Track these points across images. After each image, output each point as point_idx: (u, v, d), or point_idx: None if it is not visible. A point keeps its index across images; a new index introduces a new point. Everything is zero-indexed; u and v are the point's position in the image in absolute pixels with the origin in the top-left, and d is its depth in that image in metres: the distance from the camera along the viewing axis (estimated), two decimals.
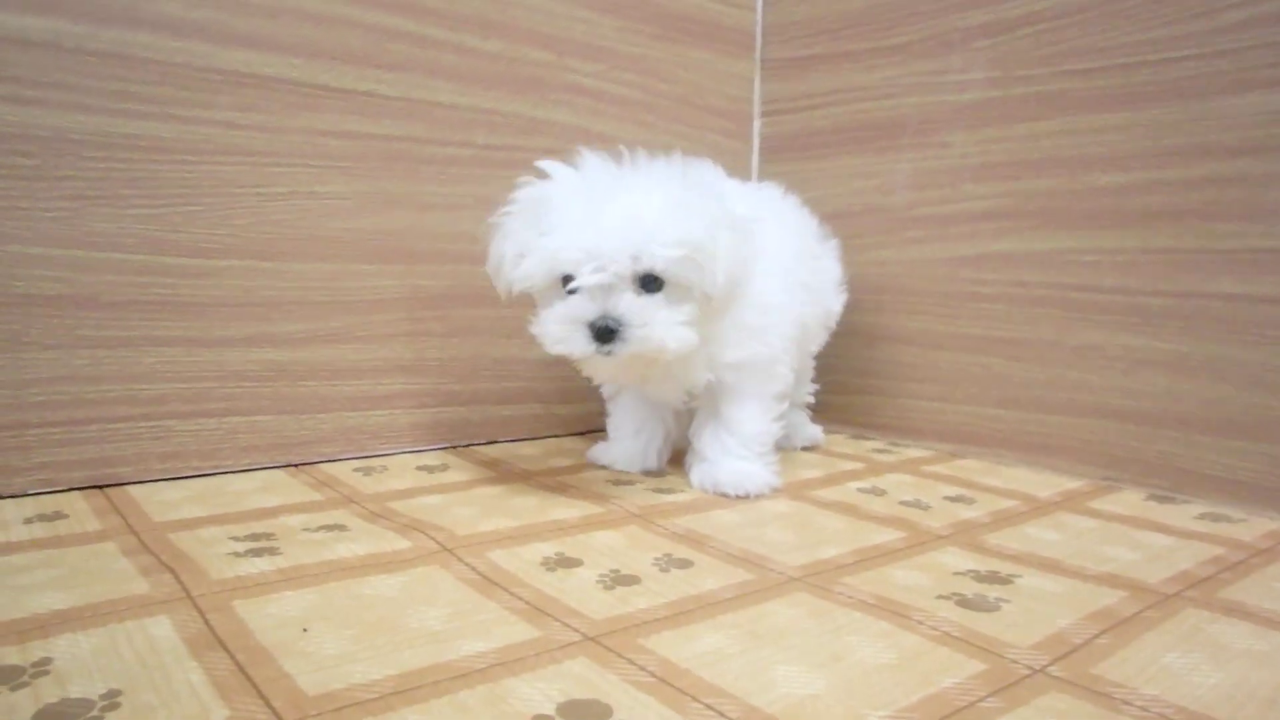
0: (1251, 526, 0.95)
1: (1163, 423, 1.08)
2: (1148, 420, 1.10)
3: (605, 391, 1.15)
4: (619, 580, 0.74)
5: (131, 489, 0.98)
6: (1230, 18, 1.01)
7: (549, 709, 0.52)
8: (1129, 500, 1.05)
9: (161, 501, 0.94)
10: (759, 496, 1.02)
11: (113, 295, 0.98)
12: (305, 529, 0.85)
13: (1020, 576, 0.78)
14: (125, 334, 0.99)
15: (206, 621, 0.63)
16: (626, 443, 1.14)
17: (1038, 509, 1.00)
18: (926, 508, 0.99)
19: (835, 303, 1.27)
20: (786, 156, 1.53)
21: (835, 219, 1.36)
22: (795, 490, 1.06)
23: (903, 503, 1.01)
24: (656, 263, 0.90)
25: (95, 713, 0.50)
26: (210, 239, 1.03)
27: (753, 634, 0.64)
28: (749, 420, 1.06)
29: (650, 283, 0.91)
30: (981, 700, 0.55)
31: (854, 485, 1.09)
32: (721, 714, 0.53)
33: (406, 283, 1.19)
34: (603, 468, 1.14)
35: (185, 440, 1.04)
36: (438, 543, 0.82)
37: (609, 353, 0.90)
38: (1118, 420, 1.12)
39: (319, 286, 1.12)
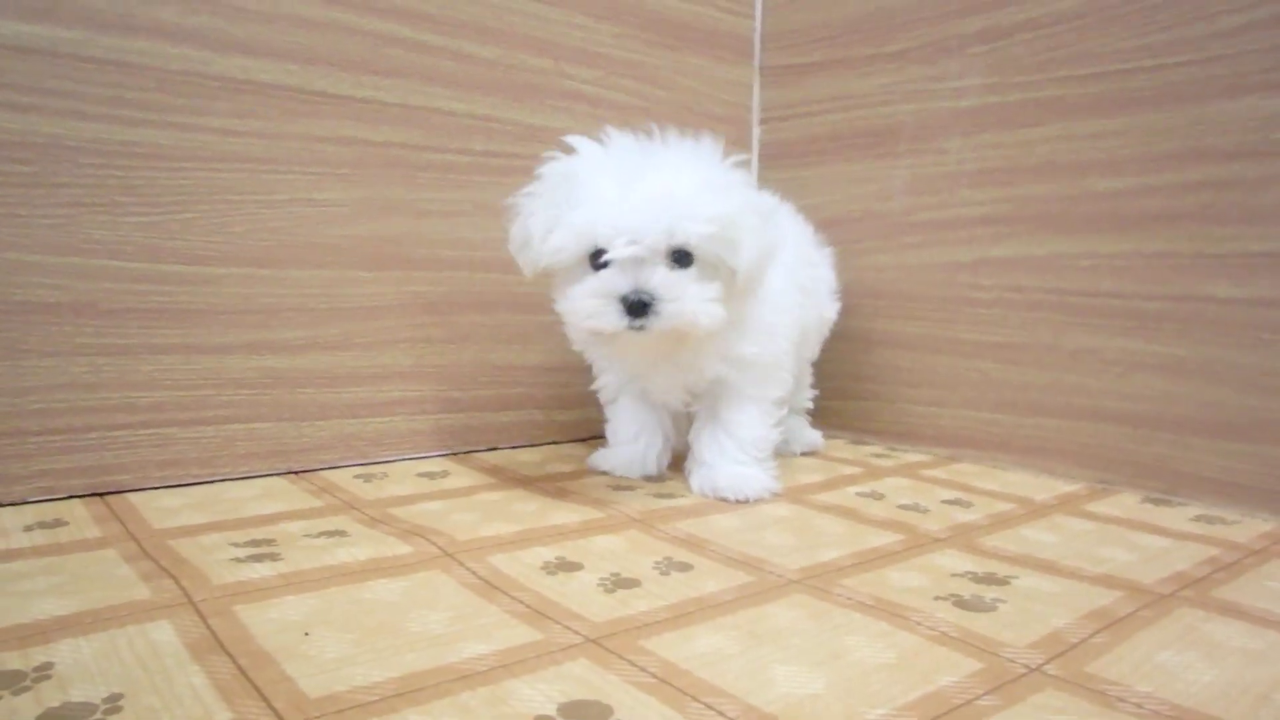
0: (1246, 528, 0.95)
1: (1159, 425, 1.09)
2: (1144, 423, 1.10)
3: (603, 397, 1.15)
4: (619, 583, 0.74)
5: (131, 496, 0.98)
6: (1226, 23, 1.02)
7: (550, 709, 0.53)
8: (1125, 502, 1.05)
9: (161, 508, 0.94)
10: (758, 501, 1.02)
11: (111, 303, 0.98)
12: (306, 535, 0.85)
13: (1017, 577, 0.78)
14: (124, 341, 0.99)
15: (208, 626, 0.63)
16: (626, 448, 1.14)
17: (1034, 511, 1.00)
18: (924, 511, 1.00)
19: (830, 310, 1.28)
20: (785, 163, 1.53)
21: (834, 225, 1.37)
22: (794, 494, 1.06)
23: (901, 506, 1.01)
24: (690, 238, 0.90)
25: (98, 716, 0.51)
26: (208, 246, 1.04)
27: (752, 635, 0.64)
28: (748, 425, 1.06)
29: (681, 259, 0.92)
30: (978, 698, 0.56)
31: (853, 489, 1.09)
32: (721, 713, 0.53)
33: (405, 289, 1.19)
34: (603, 474, 1.14)
35: (184, 447, 1.04)
36: (439, 548, 0.82)
37: (641, 327, 0.90)
38: (1114, 423, 1.13)
39: (317, 293, 1.12)
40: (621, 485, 1.08)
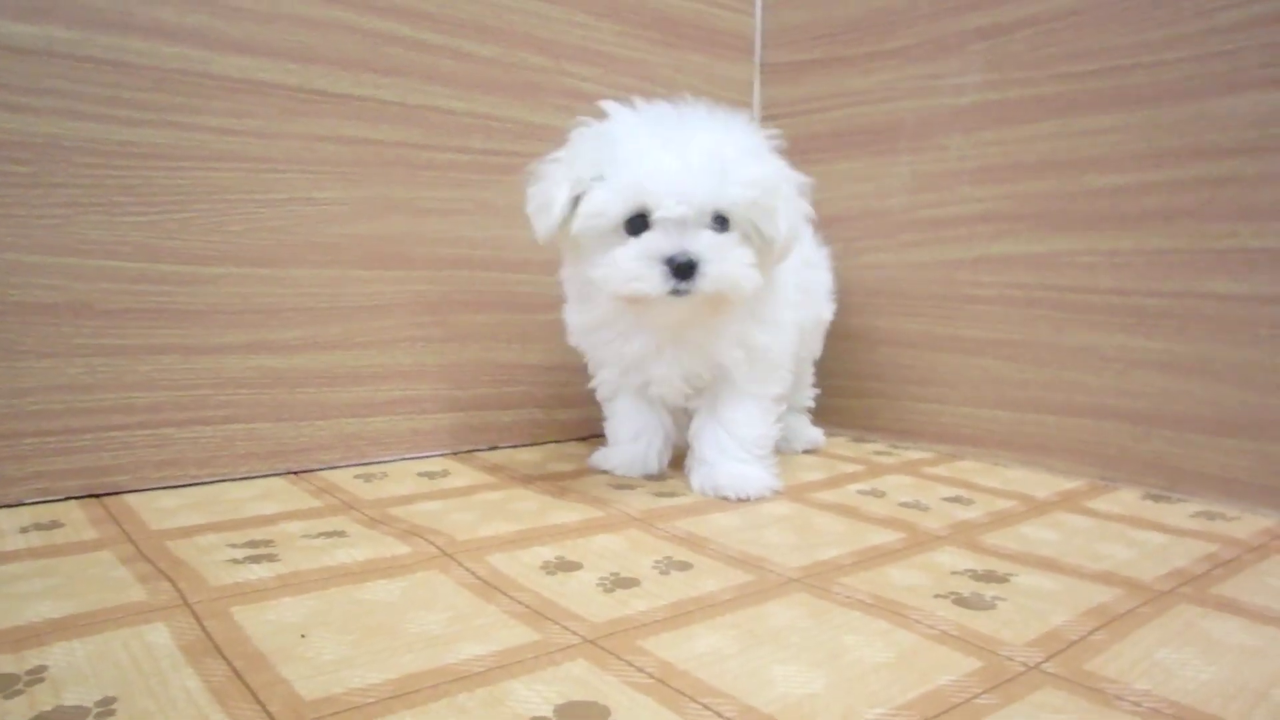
0: (1245, 524, 0.95)
1: (1158, 422, 1.09)
2: (1143, 420, 1.10)
3: (601, 394, 1.15)
4: (619, 583, 0.74)
5: (128, 497, 0.98)
6: (1224, 19, 1.01)
7: (547, 711, 0.53)
8: (1125, 499, 1.05)
9: (158, 509, 0.93)
10: (759, 499, 1.02)
11: (108, 303, 0.98)
12: (304, 535, 0.85)
13: (1016, 575, 0.78)
14: (121, 342, 0.99)
15: (204, 628, 0.63)
16: (627, 448, 1.14)
17: (1035, 509, 1.00)
18: (925, 509, 0.99)
19: (827, 311, 1.28)
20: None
21: (834, 222, 1.37)
22: (795, 492, 1.06)
23: (902, 504, 1.01)
24: (737, 201, 0.90)
25: None
26: (206, 246, 1.03)
27: (751, 634, 0.64)
28: (748, 423, 1.06)
29: (720, 224, 0.92)
30: (977, 697, 0.55)
31: (854, 487, 1.09)
32: (718, 714, 0.53)
33: (405, 288, 1.19)
34: (604, 473, 1.14)
35: (182, 448, 1.04)
36: (437, 548, 0.82)
37: (685, 291, 0.89)
38: (1114, 420, 1.12)
39: (316, 293, 1.12)
40: (622, 484, 1.08)
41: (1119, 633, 0.66)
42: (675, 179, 0.88)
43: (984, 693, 0.56)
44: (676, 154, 0.90)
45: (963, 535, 0.90)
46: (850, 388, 1.44)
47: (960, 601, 0.71)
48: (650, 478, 1.12)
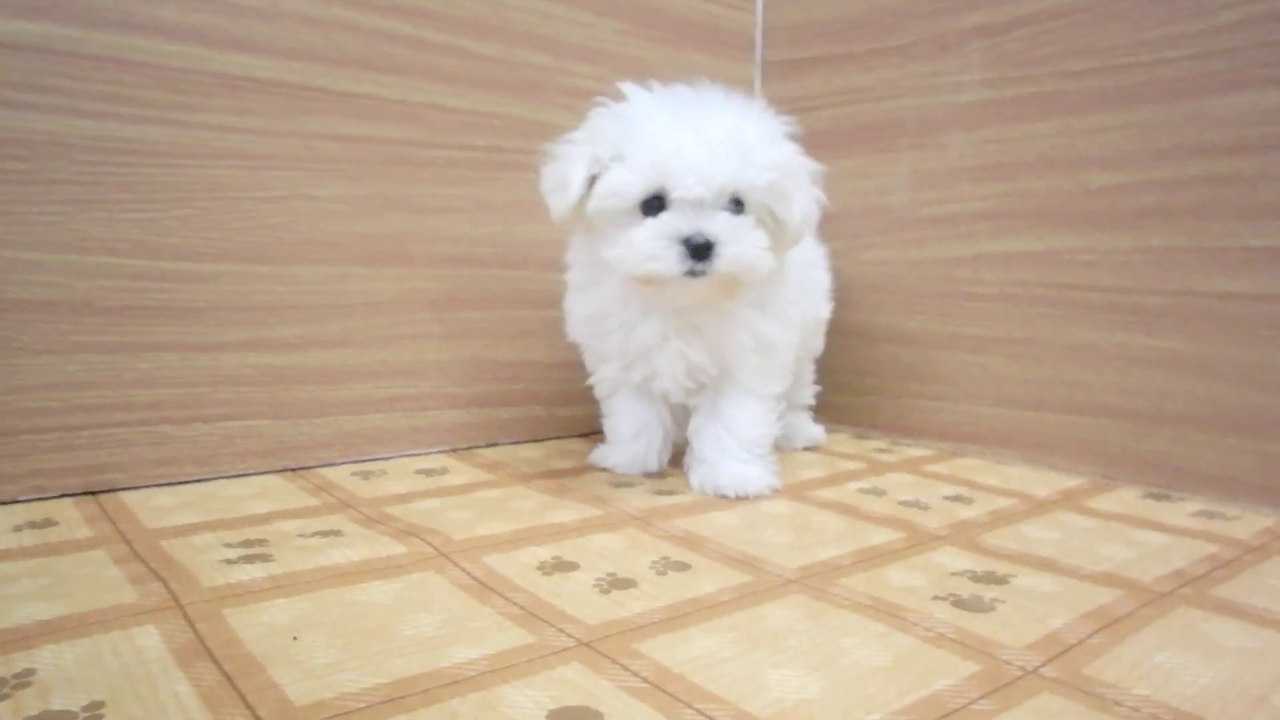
0: (1246, 523, 0.95)
1: (1159, 421, 1.08)
2: (1144, 418, 1.09)
3: (599, 392, 1.14)
4: (615, 584, 0.74)
5: (125, 495, 0.98)
6: (1224, 18, 1.01)
7: (539, 716, 0.52)
8: (1126, 498, 1.04)
9: (155, 508, 0.93)
10: (759, 498, 1.02)
11: (107, 300, 0.98)
12: (300, 535, 0.85)
13: (1016, 576, 0.77)
14: (119, 339, 0.99)
15: (195, 631, 0.63)
16: (627, 446, 1.13)
17: (1036, 508, 1.00)
18: (925, 508, 0.99)
19: (824, 309, 1.27)
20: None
21: (834, 220, 1.36)
22: (795, 491, 1.05)
23: (902, 503, 1.01)
24: (754, 185, 0.91)
25: None
26: (205, 243, 1.03)
27: (748, 637, 0.64)
28: (749, 422, 1.05)
29: (736, 206, 0.92)
30: (974, 702, 0.55)
31: (854, 485, 1.08)
32: (711, 719, 0.52)
33: (405, 286, 1.19)
34: (604, 470, 1.14)
35: (180, 446, 1.03)
36: (434, 547, 0.82)
37: (701, 272, 0.89)
38: (1114, 418, 1.12)
39: (316, 290, 1.12)
40: (621, 482, 1.08)
41: (1118, 635, 0.65)
42: (697, 159, 0.89)
43: (981, 698, 0.56)
44: (697, 135, 0.90)
45: (963, 535, 0.89)
46: (851, 385, 1.43)
47: (959, 603, 0.71)
48: (650, 476, 1.11)
